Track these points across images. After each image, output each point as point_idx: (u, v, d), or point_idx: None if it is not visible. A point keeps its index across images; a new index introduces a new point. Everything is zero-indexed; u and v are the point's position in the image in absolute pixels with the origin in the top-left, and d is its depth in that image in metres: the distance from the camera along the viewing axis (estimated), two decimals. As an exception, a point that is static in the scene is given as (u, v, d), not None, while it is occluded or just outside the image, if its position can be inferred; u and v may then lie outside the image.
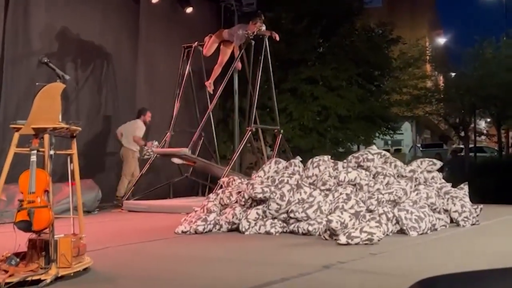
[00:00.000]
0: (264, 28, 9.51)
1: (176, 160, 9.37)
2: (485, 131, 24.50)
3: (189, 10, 11.12)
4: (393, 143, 28.93)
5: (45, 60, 4.02)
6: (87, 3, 9.59)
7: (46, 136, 3.65)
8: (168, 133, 9.70)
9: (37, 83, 3.78)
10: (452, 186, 7.01)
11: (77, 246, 3.79)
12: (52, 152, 3.67)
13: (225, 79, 9.62)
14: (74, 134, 3.99)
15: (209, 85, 9.84)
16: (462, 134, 19.84)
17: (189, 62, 10.14)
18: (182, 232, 5.93)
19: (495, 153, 22.52)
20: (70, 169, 4.05)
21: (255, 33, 9.40)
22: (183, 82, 10.05)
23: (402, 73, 18.86)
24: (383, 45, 15.13)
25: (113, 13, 10.03)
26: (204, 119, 9.62)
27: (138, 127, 9.61)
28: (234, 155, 9.43)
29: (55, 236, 3.63)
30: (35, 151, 3.60)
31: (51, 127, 3.67)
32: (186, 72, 10.11)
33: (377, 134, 16.05)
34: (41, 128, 3.65)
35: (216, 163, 10.59)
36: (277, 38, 9.47)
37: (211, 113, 9.95)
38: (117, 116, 10.11)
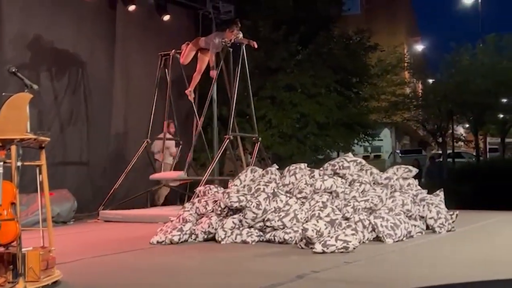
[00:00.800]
0: (241, 35, 9.50)
1: (172, 184, 9.37)
2: (463, 137, 24.79)
3: (166, 17, 11.05)
4: (372, 150, 29.13)
5: (13, 70, 3.96)
6: (62, 11, 9.44)
7: (13, 147, 3.59)
8: (145, 141, 9.63)
9: (3, 94, 3.71)
10: (430, 192, 7.06)
11: (46, 259, 3.72)
12: (19, 163, 3.60)
13: (211, 88, 9.63)
14: (43, 145, 3.92)
15: (189, 93, 9.81)
16: (440, 140, 20.06)
17: (166, 70, 10.09)
18: (157, 242, 5.86)
19: (473, 159, 22.77)
20: (39, 181, 3.98)
21: (232, 40, 9.39)
22: (168, 90, 10.02)
23: (380, 80, 19.02)
24: (361, 52, 15.24)
25: (89, 21, 9.88)
26: (197, 132, 9.69)
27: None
28: (212, 163, 9.38)
29: (23, 249, 3.57)
30: (2, 163, 3.52)
31: (18, 138, 3.60)
32: (169, 80, 10.07)
33: (356, 141, 16.15)
34: (8, 139, 3.58)
35: (195, 172, 10.56)
36: (255, 46, 9.47)
37: (196, 122, 9.98)
38: (93, 126, 9.97)
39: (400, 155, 29.53)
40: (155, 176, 9.45)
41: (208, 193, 6.53)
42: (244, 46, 9.57)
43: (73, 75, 9.80)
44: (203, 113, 9.65)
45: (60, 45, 9.46)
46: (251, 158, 10.42)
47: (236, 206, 5.92)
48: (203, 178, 8.78)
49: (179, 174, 9.00)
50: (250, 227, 5.90)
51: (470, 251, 5.22)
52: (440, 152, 20.96)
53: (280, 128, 13.53)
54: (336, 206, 5.98)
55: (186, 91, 9.90)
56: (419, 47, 33.15)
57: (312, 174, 6.55)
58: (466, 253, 5.09)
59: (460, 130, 26.95)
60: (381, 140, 27.96)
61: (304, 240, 5.34)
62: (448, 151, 21.98)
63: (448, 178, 17.24)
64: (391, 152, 29.96)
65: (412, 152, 29.95)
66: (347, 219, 5.90)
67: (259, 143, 9.98)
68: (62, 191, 8.59)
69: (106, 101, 10.16)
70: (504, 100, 19.60)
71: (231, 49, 9.78)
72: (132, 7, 10.30)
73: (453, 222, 6.66)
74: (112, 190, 9.22)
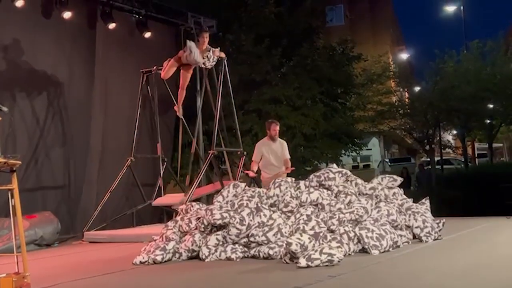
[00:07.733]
0: (218, 50, 9.35)
1: (174, 206, 9.28)
2: (450, 144, 24.83)
3: (147, 34, 10.98)
4: (362, 159, 29.14)
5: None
6: (39, 30, 9.31)
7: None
8: (129, 159, 9.52)
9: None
10: (419, 200, 6.99)
11: (19, 285, 3.64)
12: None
13: (199, 103, 9.60)
14: (14, 168, 3.83)
15: (178, 109, 9.76)
16: (427, 147, 20.07)
17: (148, 87, 10.03)
18: (140, 262, 5.75)
19: (461, 165, 22.79)
20: (11, 205, 3.89)
21: (209, 51, 9.14)
22: (153, 107, 9.96)
23: (366, 90, 19.04)
24: (345, 62, 15.25)
25: (67, 40, 9.73)
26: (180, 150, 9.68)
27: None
28: (197, 179, 9.28)
29: (-5, 277, 3.47)
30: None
31: (-14, 162, 3.52)
32: (152, 97, 10.02)
33: (343, 151, 16.10)
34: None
35: (181, 188, 10.45)
36: (223, 55, 9.40)
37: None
38: (72, 146, 9.81)
39: (389, 163, 29.54)
40: (158, 202, 9.37)
41: (191, 210, 6.43)
42: (225, 61, 9.53)
43: (51, 95, 9.63)
44: (195, 134, 9.70)
45: (39, 65, 9.32)
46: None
47: (219, 223, 5.84)
48: (189, 194, 8.69)
49: (181, 198, 8.93)
50: (234, 243, 5.81)
51: (456, 261, 5.14)
52: (429, 159, 20.94)
53: (266, 141, 13.43)
54: (321, 219, 5.91)
55: (174, 107, 9.85)
56: (404, 56, 33.26)
57: (298, 186, 6.48)
58: (452, 263, 5.01)
59: (448, 137, 27.01)
60: (370, 149, 27.99)
61: (288, 255, 5.27)
62: (437, 158, 21.99)
63: (437, 185, 17.25)
64: (380, 161, 29.97)
65: (401, 160, 30.00)
66: (332, 231, 5.83)
67: (244, 157, 9.91)
68: (45, 213, 8.46)
69: (85, 120, 9.95)
70: (490, 106, 19.66)
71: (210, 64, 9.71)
72: (112, 25, 10.21)
73: (440, 230, 6.61)
74: (96, 210, 9.09)
